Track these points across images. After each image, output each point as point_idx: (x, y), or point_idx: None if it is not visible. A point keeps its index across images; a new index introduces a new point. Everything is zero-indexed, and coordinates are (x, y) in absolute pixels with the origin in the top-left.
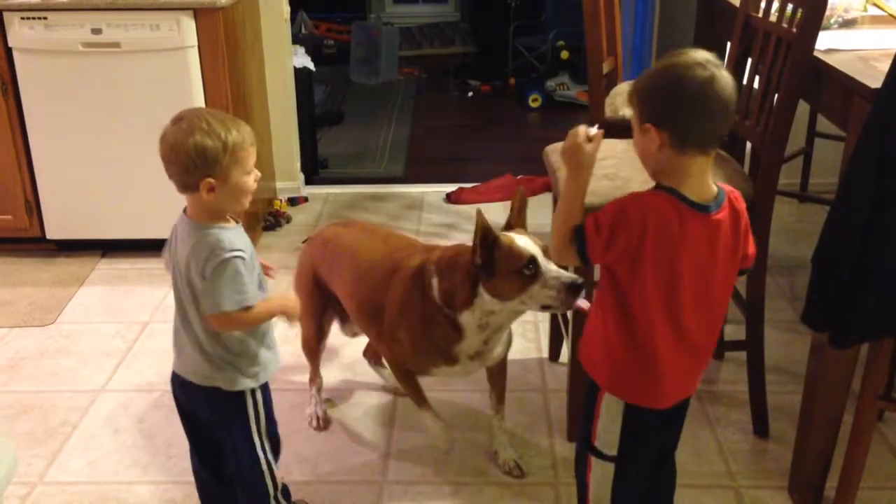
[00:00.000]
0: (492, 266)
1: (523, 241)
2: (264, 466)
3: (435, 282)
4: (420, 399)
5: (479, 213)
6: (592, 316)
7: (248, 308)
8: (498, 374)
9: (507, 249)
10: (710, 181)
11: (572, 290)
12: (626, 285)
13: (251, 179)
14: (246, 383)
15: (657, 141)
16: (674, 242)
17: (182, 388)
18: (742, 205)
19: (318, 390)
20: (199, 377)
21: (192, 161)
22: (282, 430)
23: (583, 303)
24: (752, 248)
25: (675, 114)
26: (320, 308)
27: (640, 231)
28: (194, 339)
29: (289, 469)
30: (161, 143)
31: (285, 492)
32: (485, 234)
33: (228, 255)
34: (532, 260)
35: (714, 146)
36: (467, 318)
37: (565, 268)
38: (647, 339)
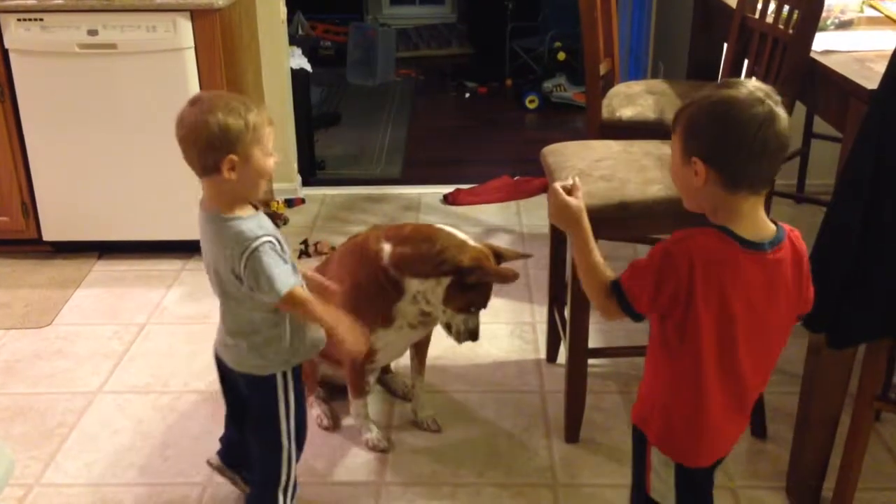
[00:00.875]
0: (463, 283)
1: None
2: (284, 454)
3: (387, 246)
4: (359, 390)
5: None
6: (647, 371)
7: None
8: (423, 342)
9: (484, 291)
10: (765, 218)
11: (470, 337)
12: (677, 334)
13: (271, 161)
14: (275, 368)
15: (704, 177)
16: (725, 283)
17: (225, 373)
18: (803, 245)
19: (318, 396)
20: (231, 362)
21: (216, 138)
22: None
23: None
24: (811, 292)
25: (732, 155)
26: None
27: (687, 275)
28: (227, 326)
29: None
30: (179, 126)
31: (294, 489)
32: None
33: (255, 243)
34: (479, 308)
35: (766, 187)
36: (410, 283)
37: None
38: (699, 398)
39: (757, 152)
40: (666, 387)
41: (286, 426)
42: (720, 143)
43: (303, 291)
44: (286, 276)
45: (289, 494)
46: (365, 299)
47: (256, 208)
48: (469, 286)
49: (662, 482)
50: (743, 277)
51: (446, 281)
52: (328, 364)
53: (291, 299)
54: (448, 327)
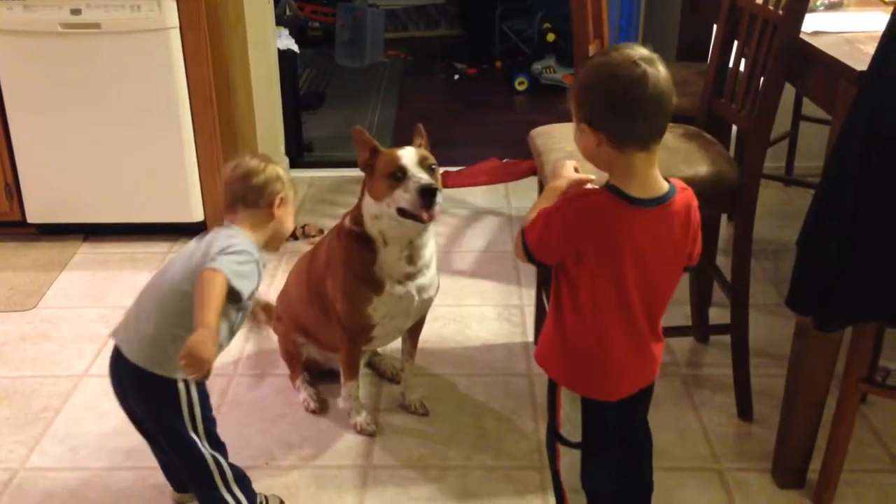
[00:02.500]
0: (373, 169)
1: (403, 151)
2: (209, 462)
3: (347, 219)
4: (353, 372)
5: (355, 131)
6: (549, 315)
7: (231, 290)
8: (417, 324)
9: (386, 156)
10: (658, 176)
11: (423, 192)
12: (576, 280)
13: (293, 218)
14: (178, 373)
15: (594, 140)
16: (613, 237)
17: (118, 374)
18: (695, 202)
19: (304, 380)
20: (144, 360)
21: (272, 180)
22: (267, 415)
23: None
24: (698, 248)
25: (609, 116)
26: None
27: (574, 230)
28: (158, 325)
29: (273, 454)
30: (239, 167)
31: (240, 479)
32: (361, 141)
33: (252, 252)
34: (401, 167)
35: (655, 142)
36: (368, 227)
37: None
38: (599, 332)
39: (630, 111)
40: (569, 325)
41: (196, 437)
42: (597, 107)
43: (222, 289)
44: (241, 276)
45: (235, 489)
46: (353, 275)
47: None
48: (371, 172)
49: (570, 419)
50: (630, 231)
51: (366, 195)
52: (315, 347)
53: (217, 278)
54: (405, 211)
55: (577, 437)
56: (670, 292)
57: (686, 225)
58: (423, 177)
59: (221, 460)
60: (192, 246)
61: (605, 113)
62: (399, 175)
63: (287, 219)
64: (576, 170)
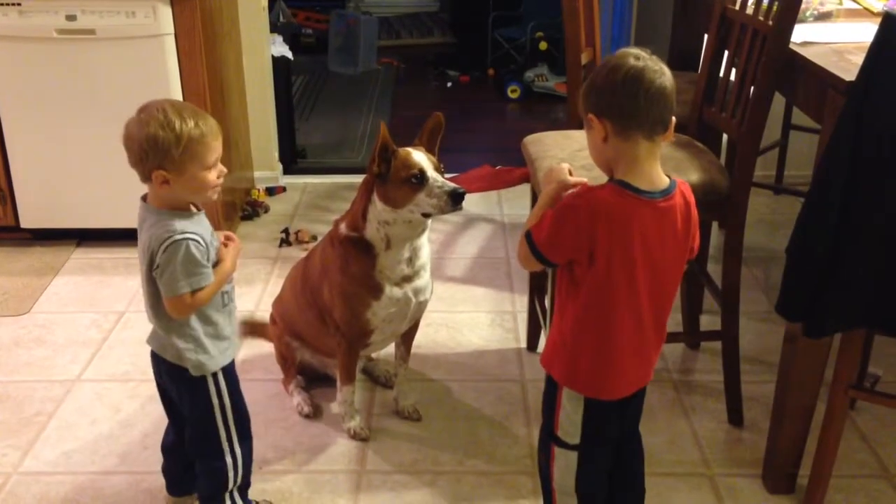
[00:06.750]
0: (386, 175)
1: (417, 156)
2: (228, 458)
3: (343, 225)
4: (350, 376)
5: (383, 125)
6: (555, 316)
7: (201, 289)
8: (411, 329)
9: (401, 160)
10: (660, 171)
11: (454, 197)
12: (584, 278)
13: (212, 175)
14: (205, 367)
15: (602, 131)
16: (625, 231)
17: (155, 359)
18: (692, 197)
19: (298, 385)
20: (168, 354)
21: (145, 152)
22: (260, 419)
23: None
24: (696, 242)
25: (613, 100)
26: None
27: (589, 226)
28: (158, 320)
29: (266, 459)
30: (124, 132)
31: (243, 486)
32: (384, 146)
33: (179, 236)
34: (421, 171)
35: (658, 132)
36: (371, 233)
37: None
38: (606, 330)
39: (633, 93)
40: (573, 326)
41: (225, 431)
42: (601, 95)
43: (197, 298)
44: (190, 279)
45: (236, 495)
46: (351, 281)
47: (198, 209)
48: (383, 178)
49: (570, 420)
50: (639, 224)
51: (375, 196)
52: (309, 351)
53: (179, 303)
54: (430, 214)
55: (575, 438)
56: (675, 289)
57: (687, 218)
58: (446, 181)
59: (239, 465)
60: (144, 237)
61: (609, 98)
62: (416, 179)
63: (187, 189)
64: (570, 173)
